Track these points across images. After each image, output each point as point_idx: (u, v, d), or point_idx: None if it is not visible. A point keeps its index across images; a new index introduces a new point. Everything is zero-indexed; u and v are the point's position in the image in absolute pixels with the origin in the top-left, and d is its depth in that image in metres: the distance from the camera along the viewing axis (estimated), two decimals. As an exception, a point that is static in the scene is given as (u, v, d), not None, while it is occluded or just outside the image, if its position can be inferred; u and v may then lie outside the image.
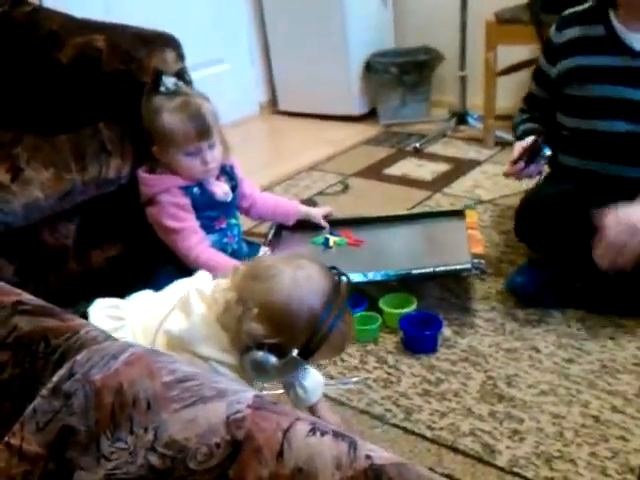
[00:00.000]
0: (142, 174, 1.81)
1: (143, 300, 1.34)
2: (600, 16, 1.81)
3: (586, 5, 1.88)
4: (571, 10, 1.91)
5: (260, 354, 1.13)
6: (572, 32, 1.86)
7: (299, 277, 1.17)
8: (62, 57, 1.91)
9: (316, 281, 1.18)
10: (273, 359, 1.13)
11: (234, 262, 1.83)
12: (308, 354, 1.14)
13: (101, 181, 1.76)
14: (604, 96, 1.78)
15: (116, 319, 1.28)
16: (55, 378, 0.73)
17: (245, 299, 1.15)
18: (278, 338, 1.13)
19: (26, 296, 0.90)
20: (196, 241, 1.79)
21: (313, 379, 1.38)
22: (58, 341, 0.79)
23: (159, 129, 1.75)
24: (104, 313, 1.29)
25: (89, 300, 1.86)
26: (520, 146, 1.87)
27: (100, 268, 1.85)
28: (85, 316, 1.28)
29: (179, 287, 1.31)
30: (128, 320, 1.27)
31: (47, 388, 0.72)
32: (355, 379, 1.61)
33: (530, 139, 1.85)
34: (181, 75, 1.83)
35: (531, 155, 1.81)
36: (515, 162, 1.83)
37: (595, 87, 1.79)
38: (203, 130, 1.75)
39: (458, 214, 2.12)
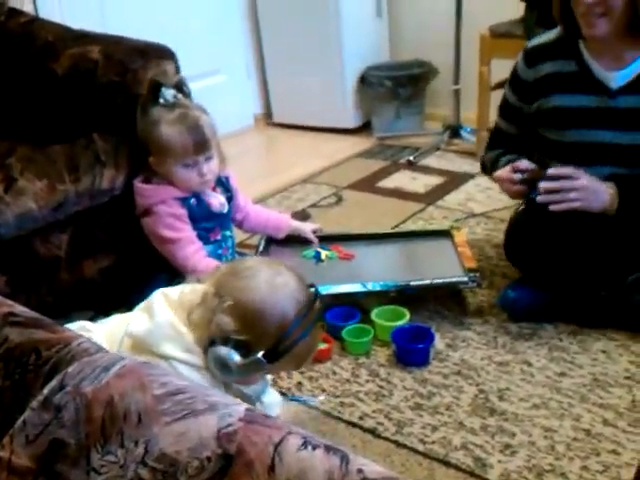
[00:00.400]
0: (138, 184, 1.81)
1: (114, 319, 1.36)
2: (570, 50, 1.74)
3: (552, 35, 1.79)
4: (537, 42, 1.82)
5: (224, 350, 1.15)
6: (544, 68, 1.78)
7: (277, 281, 1.20)
8: (57, 68, 1.91)
9: (293, 289, 1.20)
10: (237, 357, 1.15)
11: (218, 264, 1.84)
12: (273, 358, 1.16)
13: (95, 192, 1.76)
14: (584, 141, 1.73)
15: None
16: (46, 390, 0.73)
17: (221, 293, 1.17)
18: (246, 336, 1.15)
19: (18, 308, 0.90)
20: (193, 250, 1.79)
21: (272, 396, 1.39)
22: (49, 353, 0.79)
23: (157, 140, 1.75)
24: None
25: (81, 311, 1.87)
26: (524, 165, 1.73)
27: (93, 279, 1.85)
28: None
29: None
30: (94, 335, 1.28)
31: (37, 400, 0.72)
32: (321, 397, 1.60)
33: (532, 165, 1.74)
34: (180, 87, 1.83)
35: (533, 181, 1.70)
36: (517, 181, 1.73)
37: (574, 132, 1.74)
38: (201, 143, 1.75)
39: (445, 234, 2.14)
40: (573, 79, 1.74)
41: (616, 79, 1.70)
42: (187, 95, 1.86)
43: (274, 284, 1.19)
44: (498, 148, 1.95)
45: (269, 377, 1.45)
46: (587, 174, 1.67)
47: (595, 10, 1.59)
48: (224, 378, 1.19)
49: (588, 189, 1.66)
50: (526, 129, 1.88)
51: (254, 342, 1.15)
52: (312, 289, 1.24)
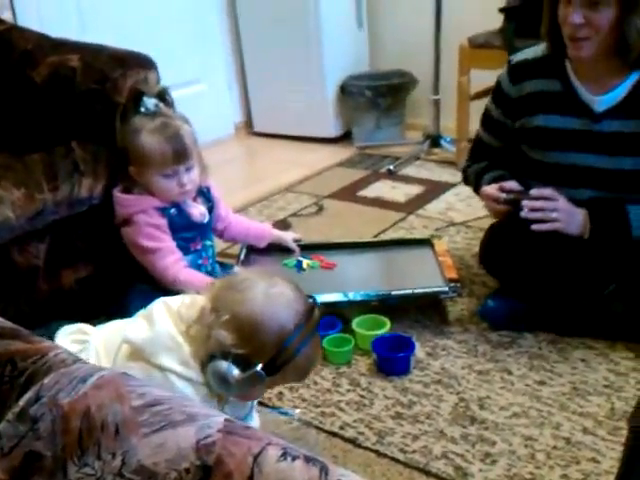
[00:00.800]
0: (118, 194, 1.79)
1: (112, 324, 1.34)
2: (556, 69, 1.73)
3: (538, 52, 1.78)
4: (522, 58, 1.81)
5: (224, 364, 1.13)
6: (529, 86, 1.77)
7: (273, 292, 1.18)
8: (36, 76, 1.90)
9: (290, 299, 1.19)
10: (236, 371, 1.13)
11: (211, 280, 1.83)
12: (272, 370, 1.14)
13: (73, 201, 1.75)
14: (566, 163, 1.73)
15: (80, 342, 1.29)
16: (21, 402, 0.72)
17: (218, 307, 1.16)
18: (245, 349, 1.13)
19: (-7, 318, 0.89)
20: (173, 261, 1.78)
21: (256, 423, 1.38)
22: (25, 364, 0.78)
23: (137, 149, 1.74)
24: (69, 338, 1.30)
25: (60, 321, 1.84)
26: (509, 186, 1.74)
27: (71, 289, 1.83)
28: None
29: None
30: (91, 339, 1.27)
31: (13, 412, 0.71)
32: (297, 411, 1.59)
33: (518, 187, 1.74)
34: (163, 96, 1.82)
35: (517, 202, 1.70)
36: (502, 201, 1.73)
37: (557, 154, 1.74)
38: (181, 153, 1.74)
39: (425, 242, 2.15)
40: (558, 99, 1.74)
41: (601, 102, 1.69)
42: (170, 104, 1.85)
43: (270, 295, 1.17)
44: (480, 159, 1.96)
45: (255, 402, 1.43)
46: (564, 197, 1.69)
47: (581, 32, 1.59)
48: (224, 393, 1.17)
49: (567, 211, 1.68)
50: (508, 143, 1.88)
51: (253, 355, 1.13)
52: (310, 299, 1.23)
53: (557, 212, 1.67)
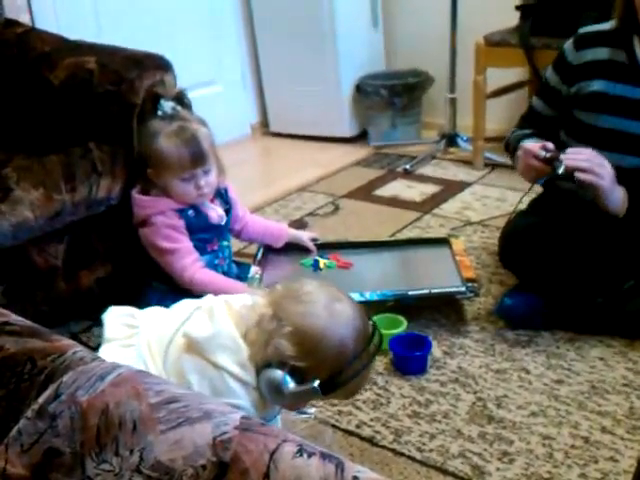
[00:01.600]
0: (136, 195, 1.81)
1: (157, 313, 1.34)
2: (623, 41, 1.75)
3: (607, 25, 1.79)
4: (590, 29, 1.83)
5: (280, 373, 1.12)
6: (593, 54, 1.79)
7: (336, 308, 1.17)
8: (54, 78, 1.92)
9: (351, 317, 1.17)
10: (292, 383, 1.12)
11: (229, 280, 1.83)
12: (329, 389, 1.13)
13: (91, 201, 1.76)
14: (617, 129, 1.73)
15: (130, 327, 1.29)
16: (41, 399, 0.73)
17: (280, 316, 1.15)
18: (304, 362, 1.12)
19: (13, 317, 0.90)
20: (190, 262, 1.78)
21: (278, 424, 1.38)
22: (44, 362, 0.79)
23: (154, 153, 1.74)
24: (119, 321, 1.30)
25: (78, 321, 1.86)
26: (552, 146, 1.71)
27: (89, 289, 1.85)
28: (100, 323, 1.31)
29: (188, 306, 1.30)
30: (142, 328, 1.27)
31: (32, 409, 0.72)
32: (314, 409, 1.58)
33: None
34: (181, 99, 1.83)
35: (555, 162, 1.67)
36: (541, 158, 1.69)
37: (609, 119, 1.74)
38: (198, 156, 1.75)
39: (443, 242, 2.13)
40: (619, 69, 1.75)
41: None
42: (188, 107, 1.86)
43: (334, 311, 1.16)
44: (528, 127, 1.96)
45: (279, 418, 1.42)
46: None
47: None
48: (274, 401, 1.17)
49: (611, 174, 1.65)
50: (560, 112, 1.88)
51: (311, 370, 1.12)
52: (370, 322, 1.22)
53: (603, 169, 1.65)
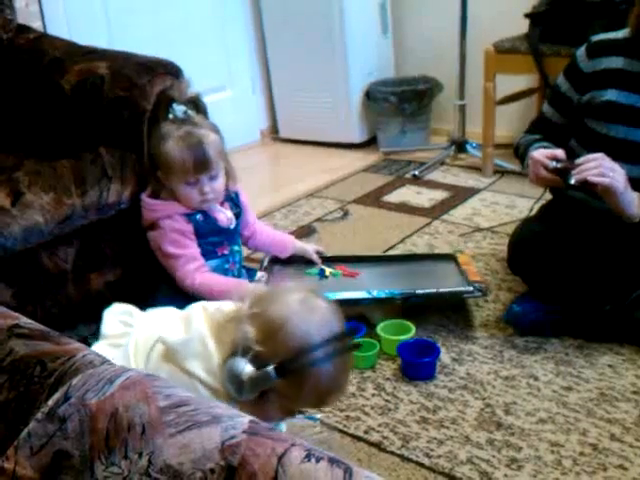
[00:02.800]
0: (145, 198, 1.81)
1: (158, 314, 1.34)
2: (636, 51, 1.74)
3: (620, 34, 1.79)
4: (604, 37, 1.82)
5: (239, 361, 1.10)
6: (605, 62, 1.78)
7: (311, 303, 1.17)
8: (65, 83, 1.93)
9: (324, 315, 1.16)
10: (249, 368, 1.10)
11: (231, 279, 1.83)
12: (283, 372, 1.09)
13: (101, 206, 1.77)
14: (629, 139, 1.73)
15: (126, 325, 1.30)
16: (50, 402, 0.73)
17: (252, 305, 1.16)
18: (264, 347, 1.11)
19: (23, 320, 0.90)
20: (194, 268, 1.79)
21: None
22: (54, 365, 0.79)
23: (162, 156, 1.76)
24: (117, 318, 1.32)
25: (88, 324, 1.87)
26: (562, 155, 1.72)
27: (99, 292, 1.86)
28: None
29: (176, 312, 1.31)
30: (135, 329, 1.28)
31: (42, 412, 0.72)
32: (320, 415, 1.58)
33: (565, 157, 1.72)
34: (195, 103, 1.84)
35: (566, 172, 1.67)
36: (551, 169, 1.70)
37: (622, 129, 1.73)
38: (202, 162, 1.74)
39: (449, 257, 2.13)
40: (632, 78, 1.74)
41: None
42: (202, 111, 1.86)
43: (307, 304, 1.15)
44: (537, 133, 1.95)
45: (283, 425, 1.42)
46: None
47: None
48: (237, 394, 1.13)
49: (624, 177, 1.65)
50: (570, 119, 1.88)
51: (271, 355, 1.10)
52: (346, 328, 1.20)
53: (615, 172, 1.64)
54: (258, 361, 1.10)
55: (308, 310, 1.15)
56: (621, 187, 1.64)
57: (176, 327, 1.21)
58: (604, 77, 1.78)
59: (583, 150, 1.79)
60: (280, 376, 1.09)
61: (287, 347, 1.11)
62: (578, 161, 1.68)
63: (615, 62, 1.77)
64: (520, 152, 1.97)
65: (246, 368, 1.10)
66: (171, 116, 1.77)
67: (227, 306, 1.23)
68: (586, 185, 1.64)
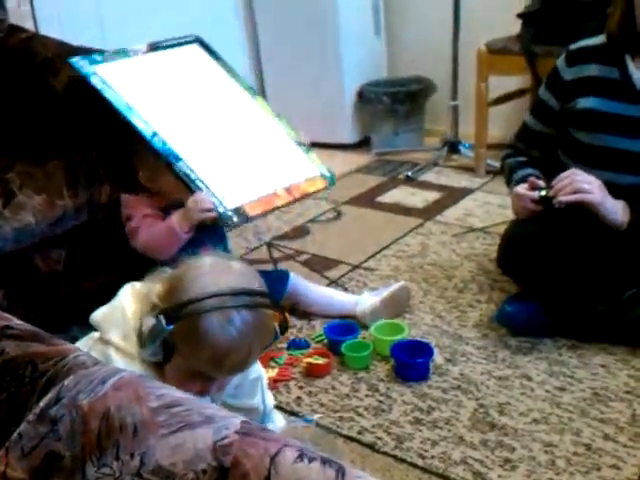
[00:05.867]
0: (124, 195, 1.80)
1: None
2: (615, 58, 1.74)
3: (598, 40, 1.79)
4: (582, 44, 1.82)
5: (147, 318, 1.11)
6: (586, 70, 1.78)
7: (220, 265, 1.16)
8: (57, 84, 1.92)
9: (230, 274, 1.14)
10: (150, 320, 1.10)
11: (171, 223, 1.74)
12: (171, 318, 1.08)
13: (93, 207, 1.77)
14: (612, 147, 1.73)
15: None
16: (42, 403, 0.73)
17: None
18: (165, 302, 1.12)
19: (15, 321, 0.90)
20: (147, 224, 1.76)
21: (278, 422, 1.39)
22: (45, 366, 0.79)
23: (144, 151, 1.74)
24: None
25: (81, 325, 1.85)
26: (541, 182, 1.75)
27: (91, 293, 1.84)
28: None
29: None
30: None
31: (34, 413, 0.72)
32: (316, 416, 1.58)
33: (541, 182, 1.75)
34: None
35: (549, 200, 1.70)
36: (537, 200, 1.73)
37: (604, 137, 1.74)
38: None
39: None
40: (613, 86, 1.74)
41: None
42: None
43: (215, 266, 1.15)
44: (524, 151, 1.96)
45: (271, 402, 1.43)
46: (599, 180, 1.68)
47: None
48: (142, 353, 1.13)
49: (600, 187, 1.66)
50: (553, 128, 1.88)
51: (162, 307, 1.11)
52: (267, 294, 1.16)
53: (589, 185, 1.65)
54: (155, 314, 1.11)
55: (214, 269, 1.14)
56: (597, 198, 1.65)
57: (104, 306, 1.23)
58: (584, 85, 1.78)
59: (570, 161, 1.80)
60: (170, 323, 1.08)
61: (181, 298, 1.10)
62: (553, 183, 1.70)
63: (593, 70, 1.77)
64: (504, 173, 1.99)
65: (147, 322, 1.11)
66: None
67: (158, 282, 1.21)
68: (569, 204, 1.66)
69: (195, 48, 2.08)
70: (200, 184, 1.71)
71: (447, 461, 1.43)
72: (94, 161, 1.80)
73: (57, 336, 0.87)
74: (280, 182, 1.84)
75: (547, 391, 1.63)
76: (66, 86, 1.91)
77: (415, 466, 1.43)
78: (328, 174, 1.93)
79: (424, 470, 1.41)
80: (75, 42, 2.07)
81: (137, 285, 1.24)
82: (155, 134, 1.70)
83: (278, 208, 1.87)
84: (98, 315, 1.22)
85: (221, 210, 1.69)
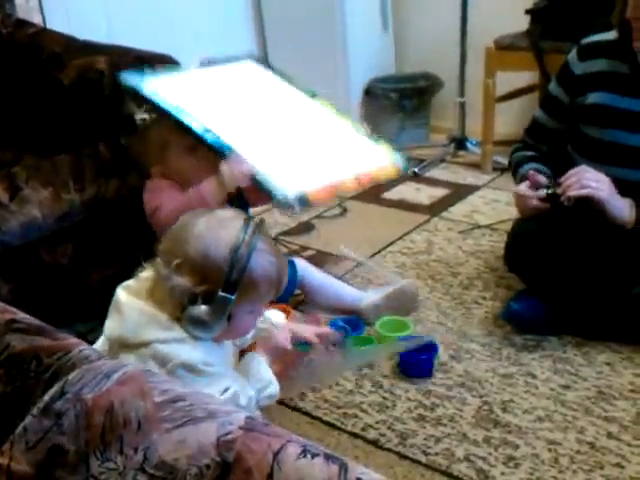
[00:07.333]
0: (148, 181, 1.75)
1: None
2: (626, 53, 1.72)
3: (610, 36, 1.78)
4: (594, 39, 1.81)
5: (192, 309, 1.15)
6: (597, 65, 1.77)
7: (212, 222, 1.21)
8: (64, 78, 1.93)
9: (226, 220, 1.21)
10: (203, 307, 1.15)
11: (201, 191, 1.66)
12: (232, 288, 1.15)
13: (99, 201, 1.77)
14: (622, 143, 1.72)
15: None
16: (46, 397, 0.73)
17: (168, 259, 1.18)
18: (205, 285, 1.15)
19: (20, 315, 0.90)
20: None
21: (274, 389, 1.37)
22: (50, 360, 0.79)
23: (149, 141, 1.71)
24: None
25: (86, 321, 1.86)
26: (543, 180, 1.75)
27: (97, 288, 1.85)
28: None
29: None
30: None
31: (38, 407, 0.72)
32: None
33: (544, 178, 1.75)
34: None
35: (555, 197, 1.70)
36: (543, 197, 1.72)
37: (614, 132, 1.73)
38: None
39: None
40: (623, 81, 1.73)
41: None
42: None
43: (210, 225, 1.20)
44: (533, 145, 1.96)
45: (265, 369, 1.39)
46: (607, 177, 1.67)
47: None
48: (206, 334, 1.18)
49: (608, 183, 1.65)
50: (563, 123, 1.88)
51: (213, 285, 1.15)
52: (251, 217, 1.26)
53: (598, 182, 1.65)
54: (208, 297, 1.16)
55: (214, 227, 1.19)
56: (605, 195, 1.64)
57: (112, 318, 1.23)
58: (594, 80, 1.77)
59: (579, 157, 1.79)
60: (233, 292, 1.15)
61: (220, 268, 1.15)
62: (560, 180, 1.69)
63: (604, 65, 1.76)
64: (512, 169, 1.99)
65: (202, 309, 1.15)
66: (140, 122, 1.71)
67: (145, 273, 1.25)
68: (577, 201, 1.65)
69: (249, 64, 2.06)
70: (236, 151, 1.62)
71: (450, 458, 1.43)
72: (101, 155, 1.80)
73: (62, 330, 0.88)
74: (349, 171, 1.80)
75: (551, 389, 1.62)
76: (73, 80, 1.91)
77: (418, 463, 1.43)
78: (401, 162, 1.91)
79: (427, 467, 1.41)
80: (83, 37, 2.08)
81: (130, 285, 1.25)
82: (207, 130, 1.65)
83: (346, 194, 1.82)
84: (114, 331, 1.21)
85: (280, 196, 1.60)
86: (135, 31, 2.69)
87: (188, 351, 1.17)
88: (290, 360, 1.52)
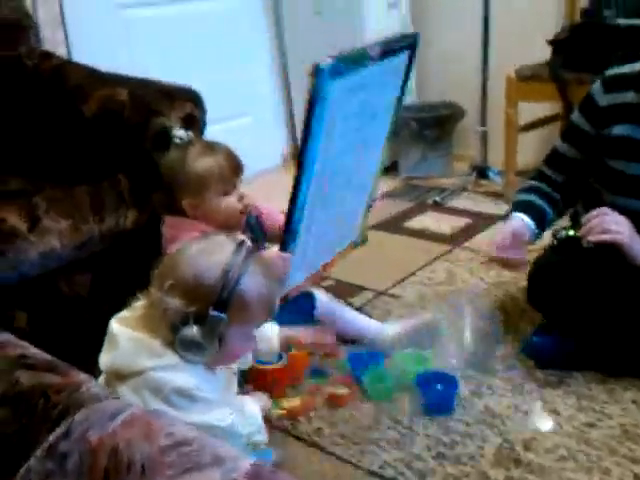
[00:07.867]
0: (167, 217, 1.73)
1: None
2: None
3: (636, 67, 1.74)
4: (619, 71, 1.78)
5: (185, 330, 1.16)
6: (622, 97, 1.73)
7: (205, 245, 1.22)
8: (86, 109, 1.95)
9: (219, 243, 1.23)
10: (195, 327, 1.15)
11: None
12: (223, 306, 1.16)
13: (118, 232, 1.77)
14: None
15: None
16: (51, 438, 0.72)
17: (161, 282, 1.19)
18: (197, 304, 1.16)
19: (31, 350, 0.90)
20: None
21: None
22: (58, 398, 0.78)
23: (191, 176, 1.66)
24: None
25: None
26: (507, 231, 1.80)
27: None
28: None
29: None
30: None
31: (42, 448, 0.71)
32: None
33: (516, 224, 1.80)
34: (190, 119, 1.83)
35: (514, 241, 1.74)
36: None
37: (639, 166, 1.70)
38: (237, 163, 1.70)
39: None
40: None
41: None
42: (199, 128, 1.85)
43: (202, 248, 1.21)
44: (551, 167, 1.93)
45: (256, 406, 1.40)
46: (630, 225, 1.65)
47: None
48: (200, 357, 1.19)
49: (629, 226, 1.63)
50: (585, 154, 1.85)
51: (205, 305, 1.16)
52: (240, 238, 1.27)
53: (619, 225, 1.62)
54: (200, 318, 1.16)
55: (206, 250, 1.21)
56: (626, 239, 1.61)
57: (106, 351, 1.23)
58: (619, 112, 1.74)
59: (603, 190, 1.76)
60: (224, 311, 1.16)
61: (211, 288, 1.16)
62: (583, 222, 1.67)
63: (631, 97, 1.73)
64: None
65: (194, 330, 1.16)
66: (177, 140, 1.73)
67: (139, 303, 1.26)
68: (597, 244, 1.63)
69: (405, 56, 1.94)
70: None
71: (470, 498, 1.40)
72: (120, 186, 1.81)
73: (78, 363, 0.87)
74: (326, 257, 1.87)
75: (575, 427, 1.58)
76: (95, 112, 1.93)
77: (437, 502, 1.39)
78: (359, 240, 1.93)
79: (446, 507, 1.38)
80: (105, 68, 2.10)
81: (122, 316, 1.26)
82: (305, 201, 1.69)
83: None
84: (108, 363, 1.21)
85: None
86: (156, 63, 2.73)
87: (181, 376, 1.18)
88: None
